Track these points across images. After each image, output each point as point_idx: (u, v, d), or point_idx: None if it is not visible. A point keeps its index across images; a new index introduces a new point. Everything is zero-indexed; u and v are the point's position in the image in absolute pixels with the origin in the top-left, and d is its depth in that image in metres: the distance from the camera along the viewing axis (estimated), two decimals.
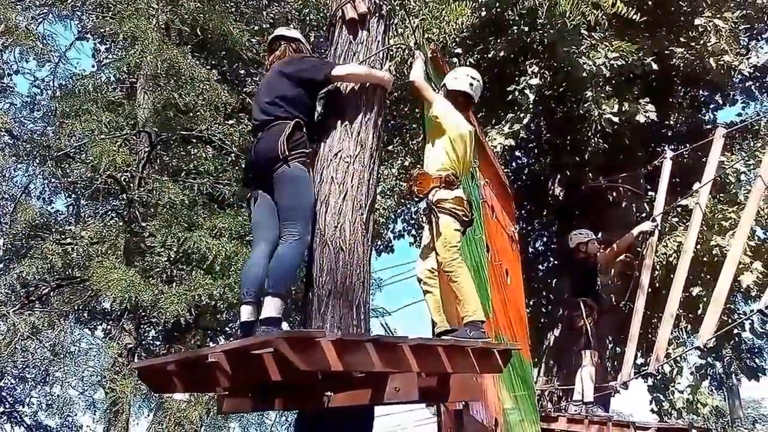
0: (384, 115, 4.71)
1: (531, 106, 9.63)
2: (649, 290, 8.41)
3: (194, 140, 10.71)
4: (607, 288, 9.96)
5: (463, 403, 5.07)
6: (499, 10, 9.57)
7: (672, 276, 7.69)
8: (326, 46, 4.90)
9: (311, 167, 4.34)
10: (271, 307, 3.83)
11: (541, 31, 9.43)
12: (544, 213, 13.23)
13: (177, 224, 8.73)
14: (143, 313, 8.98)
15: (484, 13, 9.50)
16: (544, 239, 13.80)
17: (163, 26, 9.65)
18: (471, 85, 4.95)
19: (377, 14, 4.68)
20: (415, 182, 4.76)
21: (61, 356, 8.92)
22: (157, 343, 11.26)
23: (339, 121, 4.47)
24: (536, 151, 12.88)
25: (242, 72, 12.22)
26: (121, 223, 9.65)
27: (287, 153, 4.05)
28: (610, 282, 10.11)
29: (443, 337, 4.44)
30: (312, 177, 4.30)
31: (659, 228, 8.57)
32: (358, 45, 4.63)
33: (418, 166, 4.78)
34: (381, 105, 4.62)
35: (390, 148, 12.55)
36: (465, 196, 4.78)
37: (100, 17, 9.88)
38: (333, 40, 4.71)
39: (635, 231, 8.62)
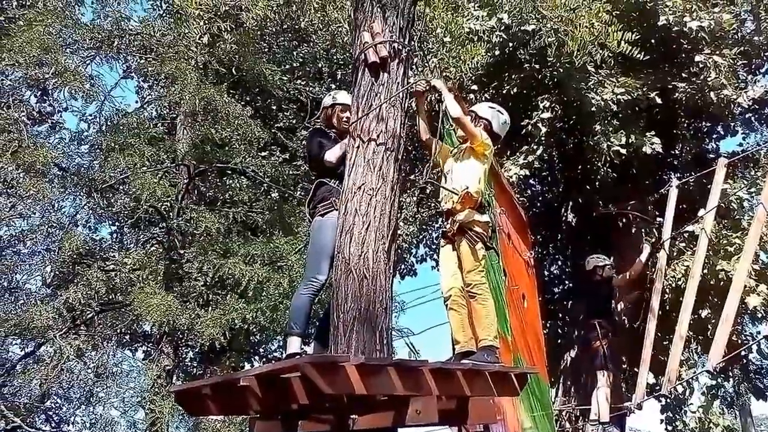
0: (404, 150, 4.68)
1: (543, 139, 9.58)
2: (660, 313, 8.26)
3: (229, 172, 10.78)
4: (620, 310, 9.80)
5: (483, 425, 4.98)
6: (511, 49, 9.55)
7: (681, 299, 7.55)
8: (352, 81, 4.90)
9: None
10: (292, 345, 4.26)
11: (551, 69, 9.39)
12: (558, 238, 13.08)
13: (213, 251, 8.77)
14: (181, 336, 8.98)
15: (497, 52, 9.47)
16: (559, 263, 13.62)
17: (201, 66, 9.75)
18: (503, 129, 5.12)
19: (398, 58, 4.65)
20: (459, 200, 4.75)
21: (104, 377, 8.93)
22: (194, 364, 11.24)
23: (362, 157, 4.45)
24: (549, 180, 12.79)
25: (274, 108, 12.30)
26: (161, 251, 9.69)
27: (311, 211, 4.79)
28: (625, 305, 9.94)
29: (462, 361, 4.39)
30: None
31: (667, 253, 8.43)
32: (380, 86, 4.60)
33: (467, 187, 4.78)
34: (401, 140, 4.60)
35: (412, 177, 12.53)
36: (492, 221, 4.80)
37: (144, 58, 10.01)
38: (356, 82, 4.70)
39: (642, 257, 8.52)
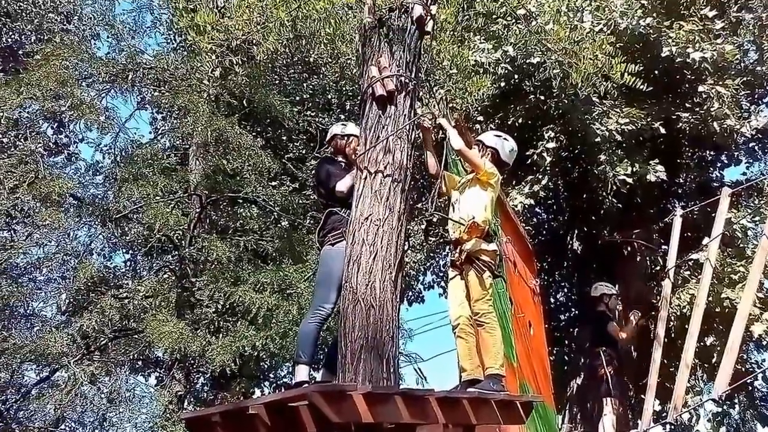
0: (410, 180, 4.74)
1: (548, 168, 9.63)
2: (666, 340, 8.20)
3: (240, 201, 10.86)
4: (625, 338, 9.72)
5: None
6: (516, 80, 9.65)
7: (686, 327, 7.51)
8: (360, 113, 4.99)
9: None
10: (300, 373, 4.36)
11: (556, 100, 9.46)
12: (564, 266, 13.06)
13: (224, 279, 8.80)
14: (192, 363, 8.99)
15: (503, 84, 9.57)
16: (565, 291, 13.59)
17: (213, 99, 9.87)
18: (511, 156, 5.22)
19: (404, 91, 4.75)
20: (466, 230, 4.78)
21: (117, 403, 8.92)
22: (206, 390, 11.21)
23: (369, 188, 4.52)
24: (555, 209, 12.81)
25: (284, 138, 12.39)
26: (173, 279, 9.73)
27: (320, 239, 4.87)
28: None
29: (468, 389, 4.39)
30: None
31: (672, 281, 8.40)
32: (387, 119, 4.70)
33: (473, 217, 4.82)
34: (407, 172, 4.66)
35: (419, 205, 12.53)
36: (499, 250, 4.82)
37: (157, 91, 10.15)
38: (364, 114, 4.80)
39: (633, 321, 8.54)
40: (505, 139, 5.30)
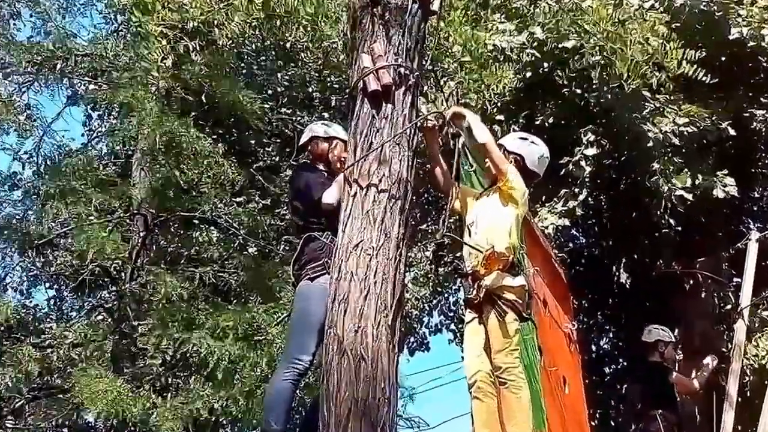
0: (411, 198, 4.73)
1: (588, 180, 9.52)
2: (739, 400, 8.15)
3: (196, 222, 10.81)
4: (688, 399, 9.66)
5: None
6: (546, 70, 9.59)
7: (766, 383, 7.46)
8: (348, 113, 4.99)
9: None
10: None
11: (596, 94, 9.40)
12: (608, 305, 12.98)
13: (174, 323, 8.72)
14: (133, 430, 8.90)
15: (529, 74, 9.53)
16: (610, 336, 13.49)
17: (163, 94, 9.85)
18: (541, 165, 5.20)
19: (404, 85, 4.73)
20: (484, 261, 4.74)
21: None
22: None
23: (360, 208, 4.49)
24: (596, 231, 12.68)
25: (252, 143, 12.40)
26: (109, 321, 9.68)
27: (297, 272, 4.90)
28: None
29: None
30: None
31: (747, 324, 8.36)
32: (382, 120, 4.67)
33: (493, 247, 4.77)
34: (407, 186, 4.64)
35: (423, 226, 12.42)
36: (528, 285, 4.78)
37: (93, 84, 10.14)
38: (353, 114, 4.77)
39: (709, 366, 8.50)
40: (532, 142, 5.27)
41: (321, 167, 5.34)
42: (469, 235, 5.06)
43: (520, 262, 4.80)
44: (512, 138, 5.35)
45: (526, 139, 5.31)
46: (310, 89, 12.77)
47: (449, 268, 11.74)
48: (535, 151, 5.24)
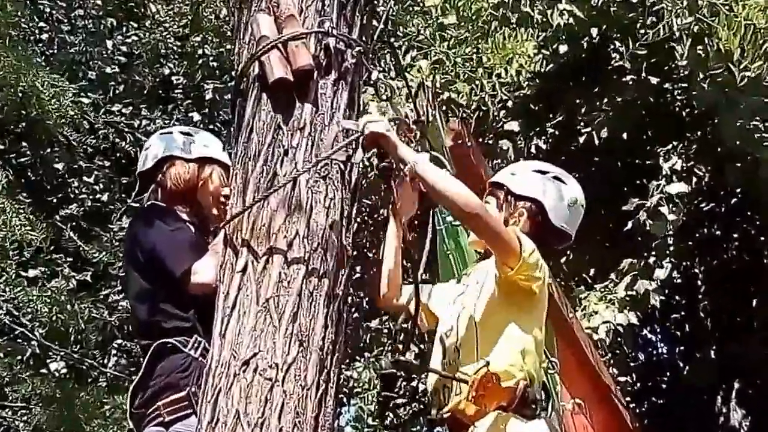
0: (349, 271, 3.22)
1: (672, 240, 7.10)
2: None
3: None
4: None
5: None
6: (597, 43, 7.07)
7: None
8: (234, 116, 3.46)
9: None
10: None
11: (685, 86, 6.98)
12: None
13: None
14: None
15: (564, 48, 6.93)
16: None
17: None
18: (573, 215, 3.43)
19: (335, 70, 3.21)
20: (473, 391, 3.10)
21: None
22: None
23: (254, 297, 3.00)
24: (687, 332, 9.38)
25: (60, 168, 9.55)
26: None
27: (137, 412, 3.36)
28: None
29: None
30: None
31: None
32: (295, 133, 3.11)
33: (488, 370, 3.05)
34: (343, 256, 3.12)
35: (373, 324, 8.43)
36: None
37: None
38: (243, 122, 3.22)
39: None
40: (557, 178, 3.47)
41: (182, 214, 3.66)
42: (444, 353, 3.34)
43: (545, 392, 3.16)
44: (522, 171, 3.55)
45: (546, 173, 3.51)
46: (165, 69, 9.92)
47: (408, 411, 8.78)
48: (565, 193, 3.44)
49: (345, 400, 9.22)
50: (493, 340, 3.09)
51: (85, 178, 9.38)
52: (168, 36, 9.57)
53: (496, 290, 3.13)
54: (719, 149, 7.21)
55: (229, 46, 7.77)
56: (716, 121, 6.96)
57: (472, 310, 3.19)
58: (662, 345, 9.57)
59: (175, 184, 3.64)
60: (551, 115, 7.61)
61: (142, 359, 3.45)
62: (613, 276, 7.13)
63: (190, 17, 8.91)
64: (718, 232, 8.26)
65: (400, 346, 3.47)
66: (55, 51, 9.97)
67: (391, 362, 3.26)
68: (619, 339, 7.04)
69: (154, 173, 3.72)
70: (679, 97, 7.31)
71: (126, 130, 9.06)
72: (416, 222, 3.48)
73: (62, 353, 8.28)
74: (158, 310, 3.44)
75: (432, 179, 3.08)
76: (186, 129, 4.01)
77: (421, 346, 3.97)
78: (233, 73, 3.50)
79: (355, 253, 3.16)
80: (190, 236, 3.51)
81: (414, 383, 6.71)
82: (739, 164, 7.19)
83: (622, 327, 6.80)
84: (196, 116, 9.48)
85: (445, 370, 3.22)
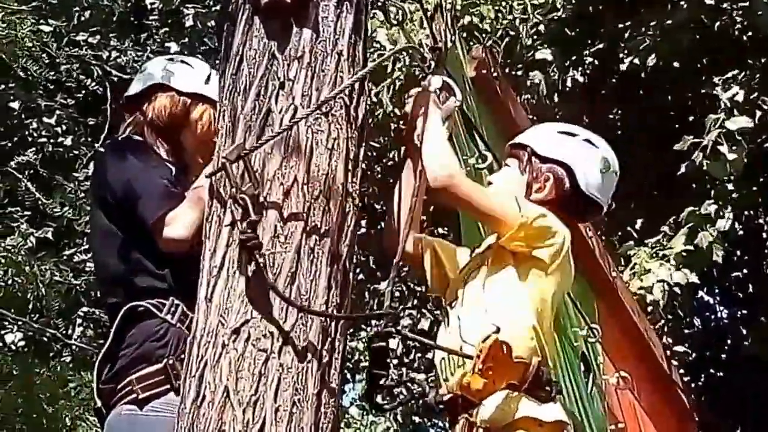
0: (359, 226, 3.09)
1: (734, 185, 6.55)
2: None
3: None
4: None
5: None
6: None
7: None
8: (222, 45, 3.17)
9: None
10: None
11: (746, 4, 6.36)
12: None
13: None
14: None
15: None
16: None
17: None
18: (606, 182, 3.05)
19: None
20: (481, 363, 2.78)
21: None
22: None
23: (239, 254, 2.71)
24: (749, 289, 8.55)
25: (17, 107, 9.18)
26: None
27: (104, 388, 2.98)
28: None
29: None
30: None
31: None
32: (292, 63, 2.82)
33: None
34: (351, 201, 2.84)
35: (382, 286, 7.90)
36: (568, 419, 2.87)
37: None
38: (233, 50, 2.91)
39: None
40: (588, 142, 3.13)
41: (161, 152, 3.22)
42: (447, 324, 3.08)
43: (584, 363, 2.87)
44: (548, 132, 3.22)
45: (575, 135, 3.16)
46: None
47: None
48: (597, 157, 3.09)
49: (349, 376, 9.04)
50: (500, 311, 2.80)
51: (45, 119, 8.92)
52: None
53: (504, 260, 2.88)
54: None
55: None
56: None
57: (480, 278, 2.97)
58: (721, 309, 8.80)
59: (157, 116, 3.23)
60: (590, 42, 7.15)
61: (108, 323, 3.10)
62: (665, 229, 6.67)
63: None
64: None
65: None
66: None
67: (382, 331, 2.92)
68: (675, 302, 6.55)
69: (140, 101, 3.33)
70: (739, 19, 6.80)
71: (93, 63, 8.62)
72: None
73: (19, 323, 7.85)
74: (128, 261, 3.04)
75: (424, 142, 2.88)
76: (190, 59, 3.67)
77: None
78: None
79: (361, 204, 2.88)
80: (170, 178, 3.07)
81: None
82: None
83: (679, 287, 6.30)
84: (174, 46, 9.08)
85: (448, 343, 2.98)
